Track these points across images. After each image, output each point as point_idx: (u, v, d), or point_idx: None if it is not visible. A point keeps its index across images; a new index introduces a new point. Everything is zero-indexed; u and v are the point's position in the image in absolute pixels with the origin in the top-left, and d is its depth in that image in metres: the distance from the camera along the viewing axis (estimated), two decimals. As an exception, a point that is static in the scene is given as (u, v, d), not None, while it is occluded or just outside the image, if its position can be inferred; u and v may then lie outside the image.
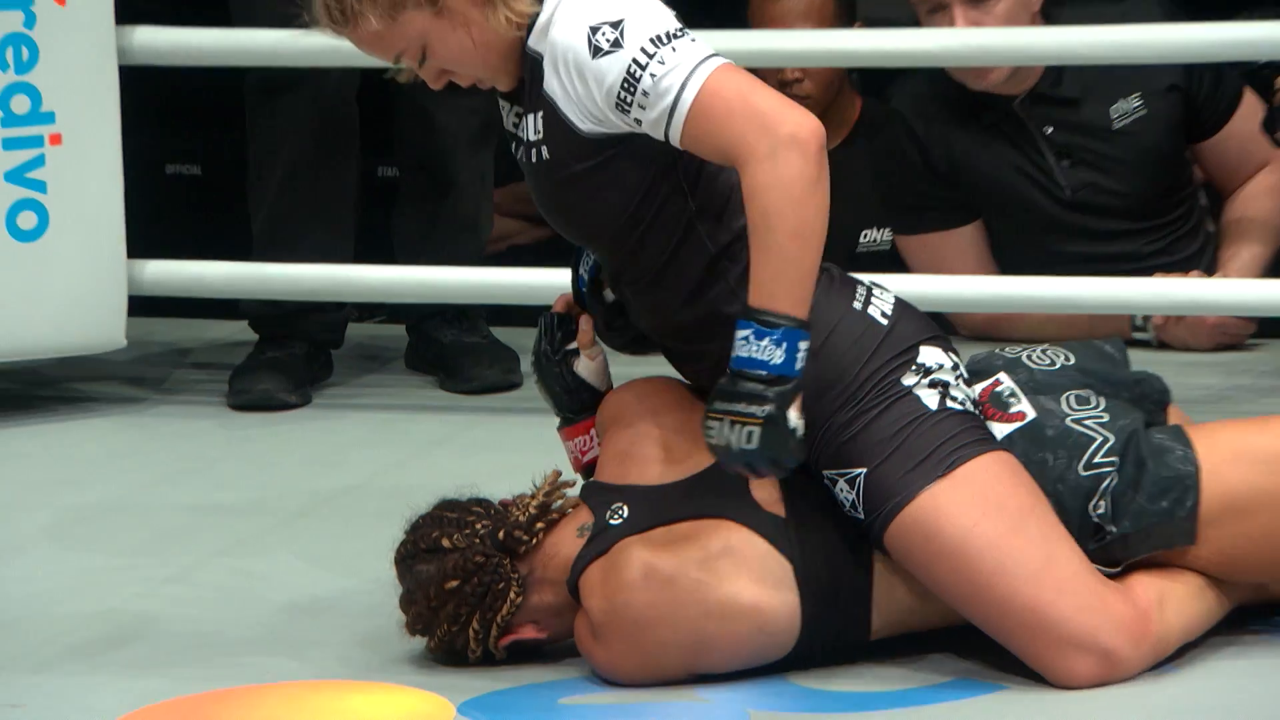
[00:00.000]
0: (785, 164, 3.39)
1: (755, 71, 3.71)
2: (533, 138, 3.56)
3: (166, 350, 5.24)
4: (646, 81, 3.42)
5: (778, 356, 3.39)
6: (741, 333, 3.39)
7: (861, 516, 3.53)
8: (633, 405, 3.68)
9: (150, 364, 5.18)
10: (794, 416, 3.40)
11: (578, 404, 3.78)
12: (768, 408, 3.38)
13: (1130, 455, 3.57)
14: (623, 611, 3.54)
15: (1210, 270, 5.18)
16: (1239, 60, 4.98)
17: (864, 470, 3.52)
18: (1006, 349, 3.79)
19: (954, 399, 3.55)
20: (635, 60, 3.43)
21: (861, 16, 5.44)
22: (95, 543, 4.29)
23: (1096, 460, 3.57)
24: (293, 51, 4.92)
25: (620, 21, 3.45)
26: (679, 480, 3.59)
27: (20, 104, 4.83)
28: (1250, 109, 5.11)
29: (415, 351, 5.24)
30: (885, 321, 3.60)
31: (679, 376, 3.73)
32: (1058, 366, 3.71)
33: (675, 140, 3.43)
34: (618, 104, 3.44)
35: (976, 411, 3.56)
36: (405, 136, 5.24)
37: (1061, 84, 5.12)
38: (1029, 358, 3.74)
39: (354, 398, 5.09)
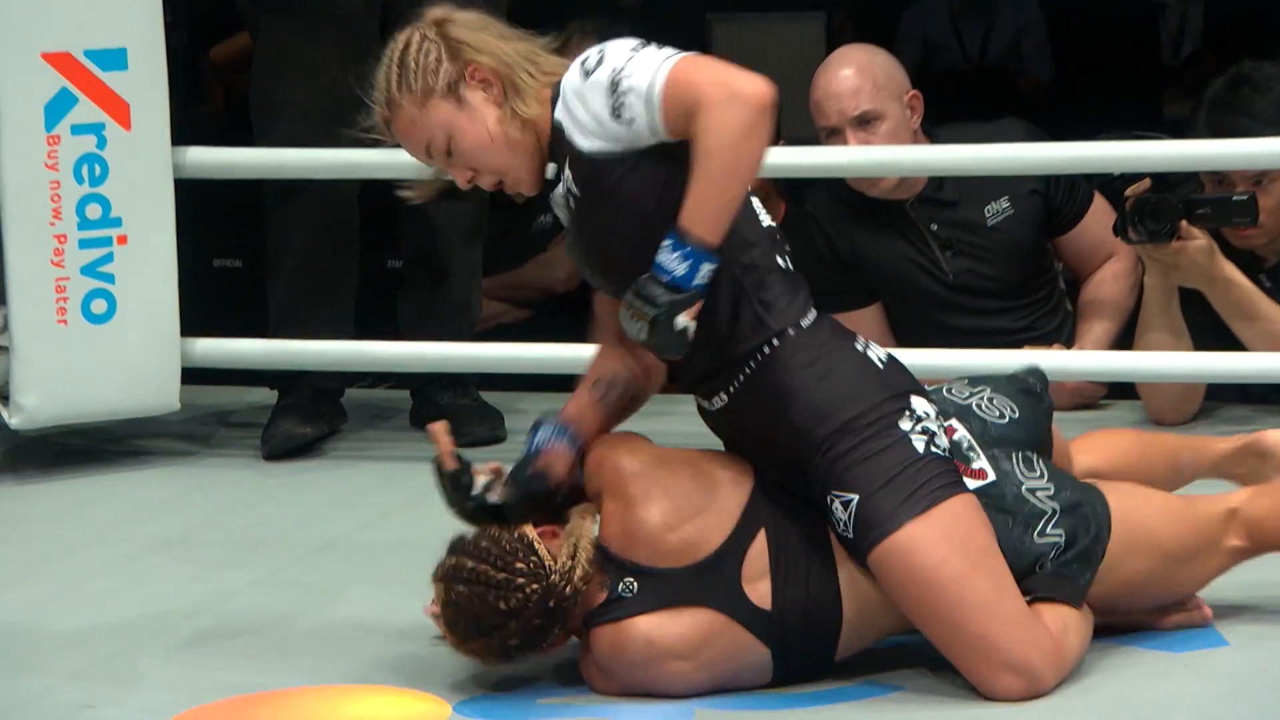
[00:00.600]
0: (733, 112, 3.35)
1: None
2: (570, 190, 3.52)
3: (212, 412, 5.24)
4: (626, 83, 3.41)
5: (681, 269, 3.35)
6: (665, 242, 3.35)
7: (850, 536, 3.49)
8: (632, 476, 3.54)
9: (199, 424, 5.17)
10: (682, 320, 3.38)
11: (526, 510, 3.60)
12: (659, 310, 3.35)
13: (1070, 529, 3.58)
14: (623, 671, 3.52)
15: (1069, 343, 5.19)
16: (1088, 172, 5.01)
17: (858, 497, 3.48)
18: (954, 389, 3.74)
19: (937, 445, 3.52)
20: (615, 69, 3.42)
21: (784, 136, 5.45)
22: (154, 572, 4.28)
23: (1047, 531, 3.57)
24: (307, 165, 4.95)
25: (602, 49, 3.45)
26: (682, 568, 3.49)
27: (93, 211, 4.83)
28: (1100, 210, 5.12)
29: (417, 412, 5.23)
30: (881, 365, 3.58)
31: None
32: (1006, 420, 3.68)
33: (661, 127, 3.40)
34: (613, 112, 3.42)
35: (950, 457, 3.54)
36: (407, 234, 5.23)
37: (943, 189, 5.13)
38: (979, 406, 3.70)
39: (366, 451, 5.07)
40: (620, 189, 3.46)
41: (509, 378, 5.28)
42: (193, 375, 5.04)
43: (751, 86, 3.36)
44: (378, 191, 5.13)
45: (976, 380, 3.76)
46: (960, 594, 3.45)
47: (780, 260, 3.57)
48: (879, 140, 5.02)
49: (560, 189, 3.54)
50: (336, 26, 4.94)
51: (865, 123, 5.04)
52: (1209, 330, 4.81)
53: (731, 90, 3.35)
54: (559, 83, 3.52)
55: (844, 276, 5.16)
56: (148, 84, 4.86)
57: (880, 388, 3.54)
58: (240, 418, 5.21)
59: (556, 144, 3.52)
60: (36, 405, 4.84)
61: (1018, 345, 5.06)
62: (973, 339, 5.03)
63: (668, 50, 3.43)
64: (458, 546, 3.54)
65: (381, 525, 4.51)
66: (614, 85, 3.42)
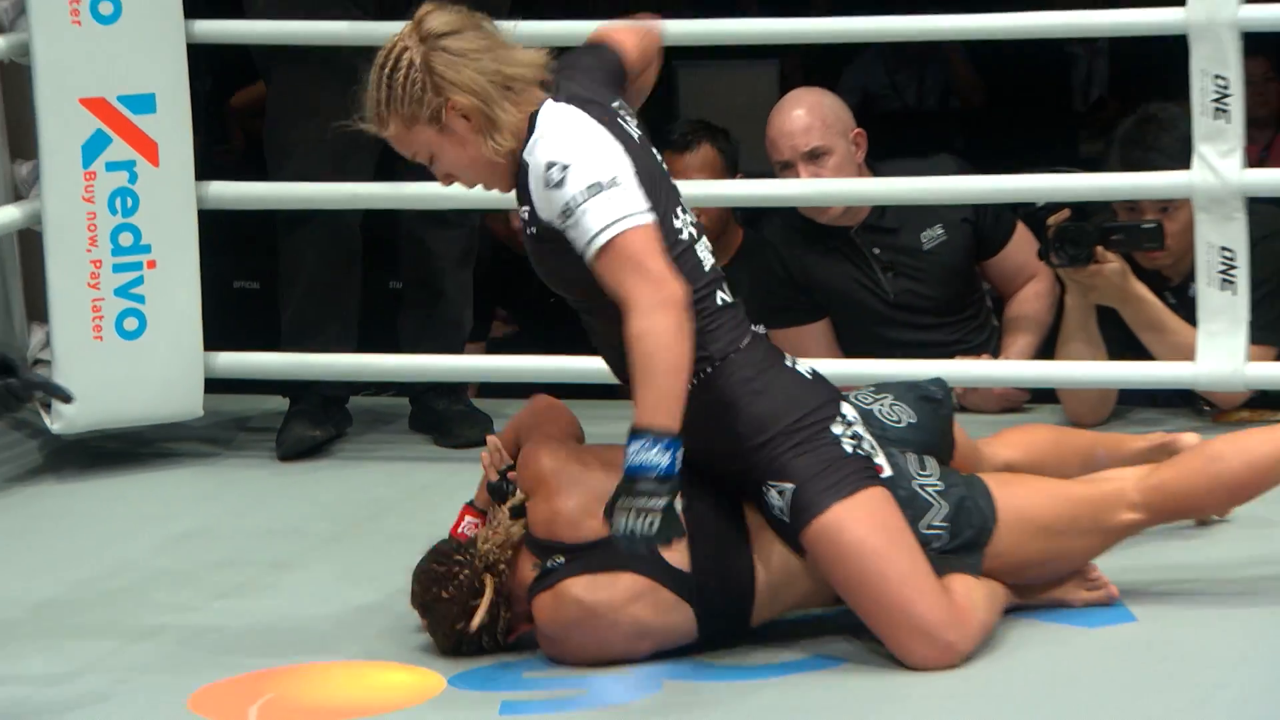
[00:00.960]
0: (661, 318, 3.38)
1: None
2: (526, 219, 3.55)
3: (232, 418, 5.22)
4: (576, 216, 3.43)
5: (665, 460, 3.35)
6: (636, 443, 3.34)
7: (787, 520, 3.54)
8: (550, 472, 3.61)
9: (220, 428, 5.16)
10: (678, 504, 3.40)
11: None
12: (664, 500, 3.35)
13: (954, 520, 3.61)
14: (562, 633, 3.57)
15: (996, 354, 5.20)
16: (1013, 202, 5.03)
17: (794, 486, 3.52)
18: (860, 395, 3.77)
19: (861, 446, 3.57)
20: (573, 198, 3.43)
21: (741, 169, 5.46)
22: (182, 559, 4.29)
23: (934, 523, 3.60)
24: (315, 197, 4.96)
25: (567, 166, 3.44)
26: (603, 538, 3.50)
27: (125, 239, 4.82)
28: (1023, 237, 5.13)
29: (416, 417, 5.22)
30: (810, 378, 3.62)
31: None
32: (903, 425, 3.72)
33: (589, 264, 3.43)
34: (561, 220, 3.44)
35: (870, 456, 3.58)
36: (406, 258, 5.23)
37: (885, 217, 5.13)
38: (880, 411, 3.74)
39: (370, 452, 5.06)
40: (567, 241, 3.49)
41: (500, 386, 5.27)
42: (215, 385, 5.03)
43: (676, 293, 3.40)
44: (381, 221, 5.16)
45: (881, 388, 3.80)
46: (880, 568, 3.49)
47: (721, 297, 3.60)
48: (827, 173, 5.02)
49: (523, 210, 3.57)
50: (339, 74, 4.93)
51: (815, 157, 5.04)
52: (1121, 342, 4.82)
53: (659, 296, 3.39)
54: (535, 116, 3.53)
55: (796, 295, 5.16)
56: (174, 125, 4.86)
57: (812, 397, 3.59)
58: (257, 423, 5.20)
59: (520, 177, 3.53)
60: (75, 413, 4.81)
61: (950, 357, 5.06)
62: (910, 351, 5.04)
63: (621, 204, 3.42)
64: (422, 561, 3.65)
65: (383, 519, 4.51)
66: (566, 212, 3.45)
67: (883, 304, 5.17)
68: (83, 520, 4.59)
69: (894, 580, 3.49)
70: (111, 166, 4.81)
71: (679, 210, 3.60)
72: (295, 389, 5.11)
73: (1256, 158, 4.84)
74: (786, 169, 5.06)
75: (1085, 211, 4.76)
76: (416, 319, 5.17)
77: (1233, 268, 4.57)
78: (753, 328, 3.65)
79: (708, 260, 3.62)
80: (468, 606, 3.57)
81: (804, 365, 3.66)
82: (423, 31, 3.56)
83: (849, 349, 5.14)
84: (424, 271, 5.15)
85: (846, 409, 3.61)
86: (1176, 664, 3.54)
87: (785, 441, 3.55)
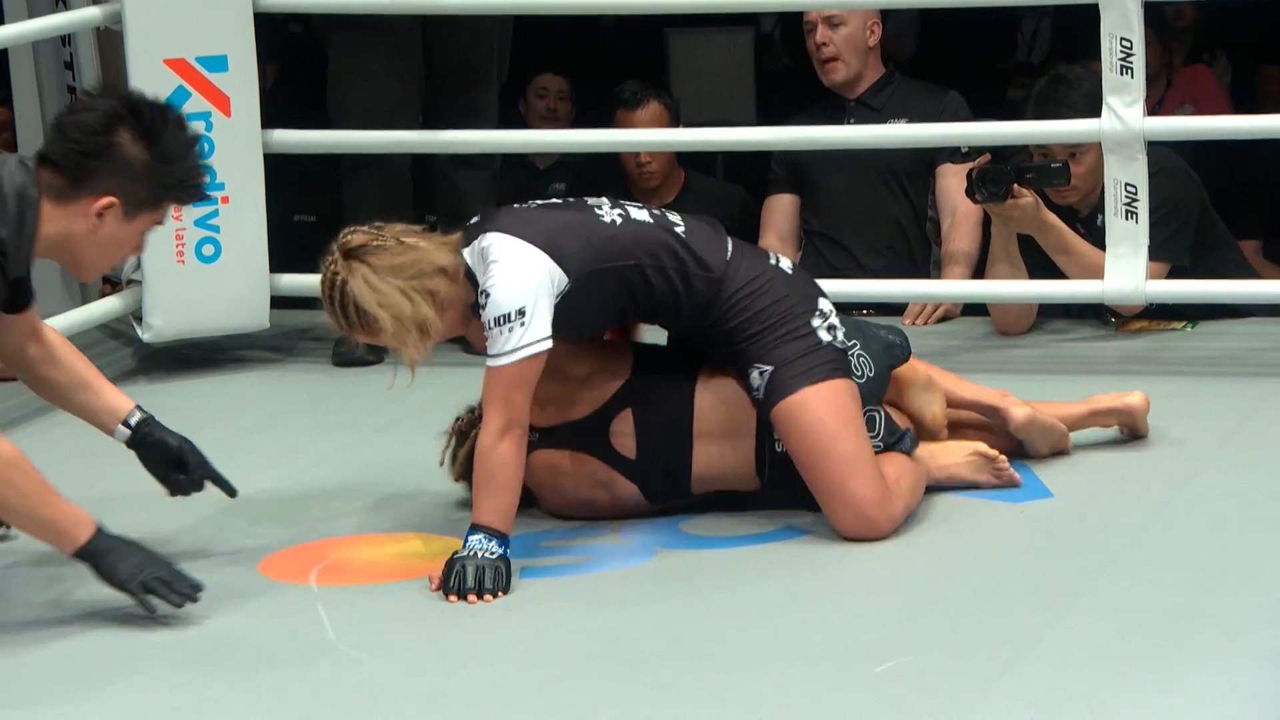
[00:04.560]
0: (504, 444, 3.40)
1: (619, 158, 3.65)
2: None
3: (293, 330, 5.20)
4: (491, 332, 3.43)
5: (496, 552, 3.37)
6: (474, 537, 3.38)
7: (761, 397, 3.54)
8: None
9: (284, 339, 5.13)
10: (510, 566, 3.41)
11: None
12: (491, 583, 3.36)
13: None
14: (535, 487, 3.65)
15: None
16: (949, 145, 5.00)
17: (773, 368, 3.52)
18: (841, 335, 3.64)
19: (836, 340, 3.56)
20: (491, 320, 3.42)
21: (721, 119, 5.44)
22: (249, 449, 4.28)
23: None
24: (371, 143, 4.92)
25: (488, 294, 3.43)
26: (568, 422, 3.60)
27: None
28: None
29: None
30: (791, 274, 3.61)
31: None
32: (862, 378, 3.64)
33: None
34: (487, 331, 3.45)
35: (843, 348, 3.57)
36: (441, 195, 5.20)
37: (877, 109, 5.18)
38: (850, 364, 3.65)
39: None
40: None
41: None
42: (279, 302, 5.01)
43: (518, 430, 3.39)
44: (419, 164, 5.14)
45: (850, 334, 3.66)
46: (828, 446, 3.49)
47: (692, 251, 3.56)
48: (838, 39, 5.06)
49: None
50: (389, 41, 4.93)
51: (832, 23, 5.08)
52: (1038, 265, 4.80)
53: (506, 424, 3.38)
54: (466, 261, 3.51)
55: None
56: (243, 82, 4.83)
57: (796, 293, 3.57)
58: (316, 333, 5.17)
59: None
60: (162, 324, 4.83)
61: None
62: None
63: (516, 337, 3.40)
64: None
65: (423, 414, 4.48)
66: (488, 324, 3.42)
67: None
68: (168, 415, 4.53)
69: (838, 458, 3.49)
70: (191, 117, 4.64)
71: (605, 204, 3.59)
72: None
73: (1150, 109, 4.82)
74: (811, 31, 5.13)
75: (1004, 155, 4.75)
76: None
77: (1135, 200, 4.56)
78: (729, 239, 3.63)
79: (680, 227, 3.58)
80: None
81: (785, 261, 3.66)
82: (344, 275, 3.52)
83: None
84: (455, 206, 5.13)
85: (823, 303, 3.60)
86: (1087, 533, 3.54)
87: (772, 332, 3.54)
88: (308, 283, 4.97)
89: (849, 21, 5.09)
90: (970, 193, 4.73)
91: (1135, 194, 4.55)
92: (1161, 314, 4.89)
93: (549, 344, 3.43)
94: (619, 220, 3.56)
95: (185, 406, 4.61)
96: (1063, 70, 4.90)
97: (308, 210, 6.33)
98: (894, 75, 5.24)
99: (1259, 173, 5.61)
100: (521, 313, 3.41)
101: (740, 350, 3.56)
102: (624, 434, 3.60)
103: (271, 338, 5.07)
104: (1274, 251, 5.63)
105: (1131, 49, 4.49)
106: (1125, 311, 4.87)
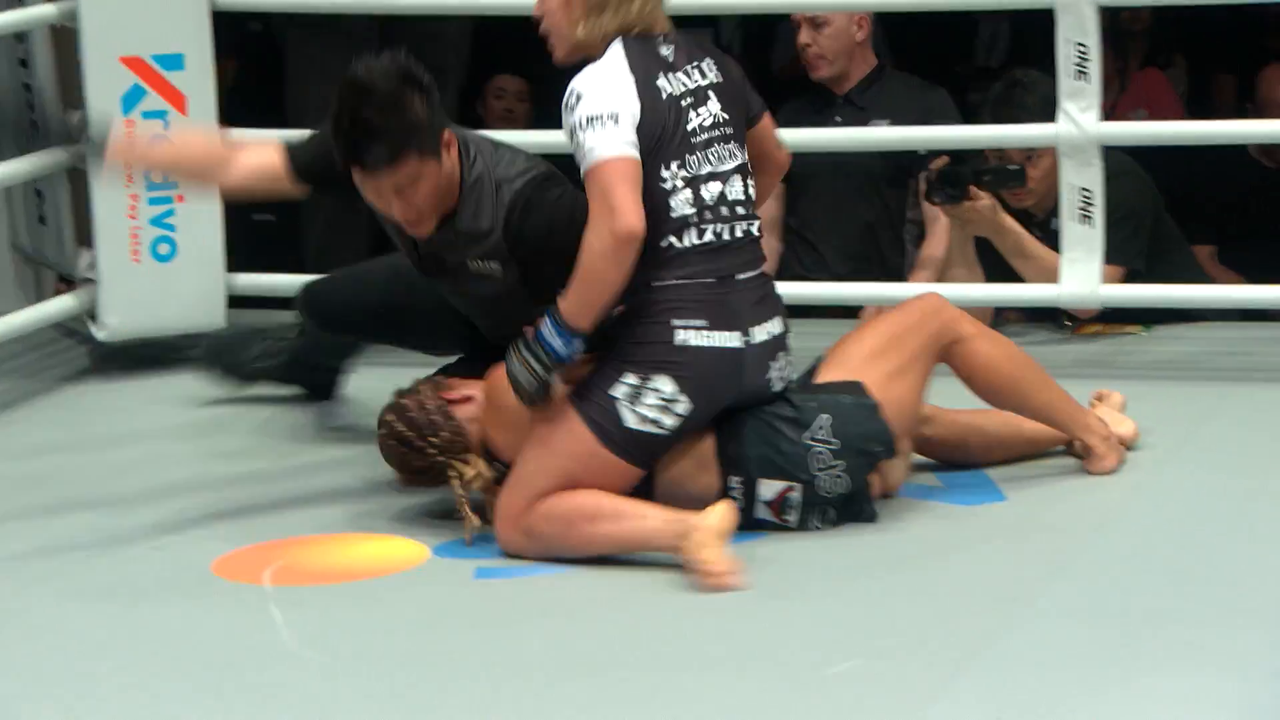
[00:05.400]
0: (608, 239, 3.34)
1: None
2: None
3: (251, 329, 5.15)
4: (577, 139, 3.40)
5: (564, 350, 3.37)
6: (551, 324, 3.35)
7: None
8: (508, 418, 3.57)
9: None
10: (555, 380, 3.42)
11: None
12: (549, 375, 3.38)
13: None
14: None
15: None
16: (907, 149, 4.98)
17: (582, 381, 3.48)
18: (817, 457, 3.53)
19: (637, 409, 3.45)
20: (575, 124, 3.40)
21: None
22: (204, 448, 4.26)
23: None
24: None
25: (581, 96, 3.43)
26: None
27: (158, 176, 4.71)
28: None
29: None
30: (692, 344, 3.48)
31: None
32: (833, 496, 3.52)
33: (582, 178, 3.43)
34: (568, 139, 3.43)
35: (635, 430, 3.44)
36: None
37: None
38: (820, 482, 3.52)
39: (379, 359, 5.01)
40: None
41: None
42: (235, 301, 4.96)
43: (623, 224, 3.34)
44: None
45: (837, 454, 3.51)
46: (529, 452, 3.48)
47: (689, 240, 3.48)
48: (822, 39, 5.05)
49: None
50: (347, 41, 4.90)
51: (815, 23, 5.07)
52: (995, 268, 4.80)
53: (610, 225, 3.32)
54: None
55: None
56: (200, 81, 4.78)
57: (669, 359, 3.44)
58: (274, 333, 5.11)
59: None
60: (118, 323, 4.79)
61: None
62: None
63: (608, 140, 3.37)
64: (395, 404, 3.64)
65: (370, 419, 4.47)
66: (571, 132, 3.40)
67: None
68: (124, 414, 4.54)
69: (522, 463, 3.48)
70: (147, 115, 4.72)
71: (676, 163, 3.48)
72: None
73: (1105, 113, 4.83)
74: (797, 30, 5.11)
75: (961, 157, 4.74)
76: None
77: (1090, 204, 4.56)
78: (709, 281, 3.49)
79: (682, 209, 3.49)
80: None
81: (704, 337, 3.46)
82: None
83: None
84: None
85: (664, 382, 3.43)
86: (1042, 536, 3.54)
87: (618, 360, 3.45)
88: (265, 282, 4.98)
89: (833, 21, 5.06)
90: (928, 195, 4.73)
91: (1090, 198, 4.55)
92: (1117, 318, 4.89)
93: (634, 154, 3.39)
94: (667, 187, 3.48)
95: (140, 406, 4.59)
96: (1019, 74, 4.91)
97: (266, 209, 6.30)
98: (884, 70, 5.18)
99: (1213, 178, 5.62)
100: (615, 117, 3.39)
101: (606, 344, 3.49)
102: None
103: (228, 336, 5.04)
104: (1228, 256, 5.64)
105: (1087, 54, 4.49)
106: (1081, 315, 4.87)
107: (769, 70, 5.86)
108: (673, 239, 3.48)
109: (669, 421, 3.45)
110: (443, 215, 3.56)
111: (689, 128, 3.51)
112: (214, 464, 4.10)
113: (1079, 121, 4.52)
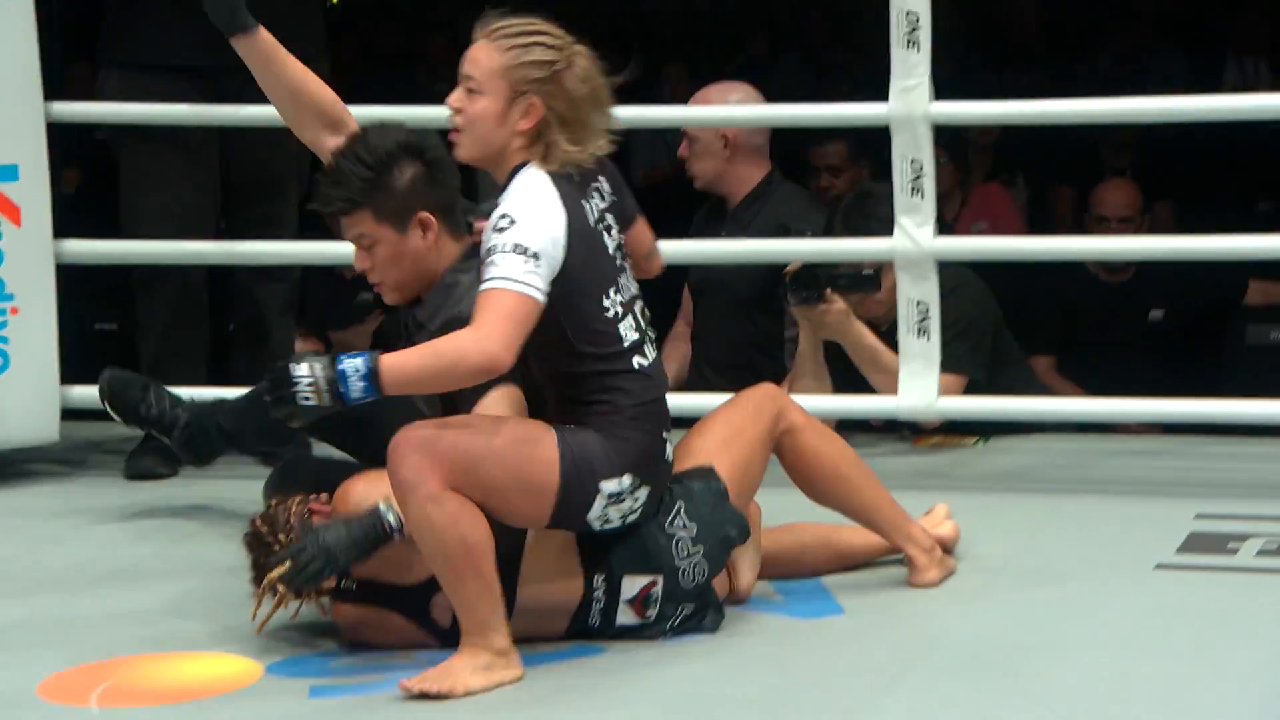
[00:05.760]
0: (479, 359, 3.22)
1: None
2: None
3: (85, 442, 5.10)
4: (493, 257, 3.29)
5: (355, 392, 3.18)
6: (364, 363, 3.17)
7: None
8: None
9: (74, 450, 5.03)
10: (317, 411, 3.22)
11: None
12: (319, 405, 3.18)
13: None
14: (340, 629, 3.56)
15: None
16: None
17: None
18: (680, 543, 3.53)
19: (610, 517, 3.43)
20: (499, 245, 3.28)
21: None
22: (33, 565, 4.16)
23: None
24: (166, 253, 4.86)
25: (514, 222, 3.30)
26: (393, 585, 3.49)
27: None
28: None
29: None
30: (650, 462, 3.45)
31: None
32: (693, 585, 3.52)
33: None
34: (483, 257, 3.32)
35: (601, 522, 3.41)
36: (239, 306, 5.13)
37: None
38: (684, 571, 3.52)
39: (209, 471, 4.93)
40: None
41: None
42: (70, 414, 4.91)
43: (493, 352, 3.22)
44: (217, 276, 5.06)
45: (701, 536, 3.53)
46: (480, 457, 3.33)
47: (637, 362, 3.44)
48: (694, 154, 5.13)
49: None
50: (182, 150, 4.87)
51: (690, 138, 5.15)
52: (838, 376, 4.84)
53: (481, 343, 3.21)
54: (516, 170, 3.43)
55: None
56: (34, 192, 4.75)
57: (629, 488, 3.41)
58: (108, 445, 5.08)
59: None
60: (-52, 436, 4.72)
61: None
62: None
63: (519, 267, 3.26)
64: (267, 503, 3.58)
65: (219, 526, 4.40)
66: (489, 252, 3.29)
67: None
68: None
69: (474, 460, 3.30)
70: None
71: (613, 290, 3.42)
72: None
73: (948, 222, 4.92)
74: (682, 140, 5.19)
75: (815, 264, 4.77)
76: (247, 357, 5.06)
77: (926, 318, 4.61)
78: (654, 403, 3.45)
79: (630, 335, 3.44)
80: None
81: (669, 451, 3.47)
82: None
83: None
84: (253, 317, 5.07)
85: (644, 492, 3.40)
86: (876, 650, 3.54)
87: (622, 459, 3.38)
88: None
89: (699, 137, 5.12)
90: (783, 296, 4.75)
91: (927, 312, 4.60)
92: (955, 429, 4.94)
93: (540, 299, 3.26)
94: (611, 315, 3.43)
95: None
96: (868, 185, 4.99)
97: (109, 319, 6.24)
98: (771, 182, 5.19)
99: (1052, 288, 5.72)
100: (536, 256, 3.26)
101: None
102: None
103: (62, 450, 4.97)
104: (1066, 366, 5.73)
105: (922, 170, 4.56)
106: (923, 426, 4.91)
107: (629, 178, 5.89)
108: (636, 360, 3.44)
109: (614, 522, 3.43)
110: (412, 296, 3.58)
111: (610, 252, 3.46)
112: (43, 581, 4.02)
113: (914, 236, 4.59)
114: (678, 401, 4.39)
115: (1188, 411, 4.63)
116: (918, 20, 4.49)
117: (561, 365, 3.42)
